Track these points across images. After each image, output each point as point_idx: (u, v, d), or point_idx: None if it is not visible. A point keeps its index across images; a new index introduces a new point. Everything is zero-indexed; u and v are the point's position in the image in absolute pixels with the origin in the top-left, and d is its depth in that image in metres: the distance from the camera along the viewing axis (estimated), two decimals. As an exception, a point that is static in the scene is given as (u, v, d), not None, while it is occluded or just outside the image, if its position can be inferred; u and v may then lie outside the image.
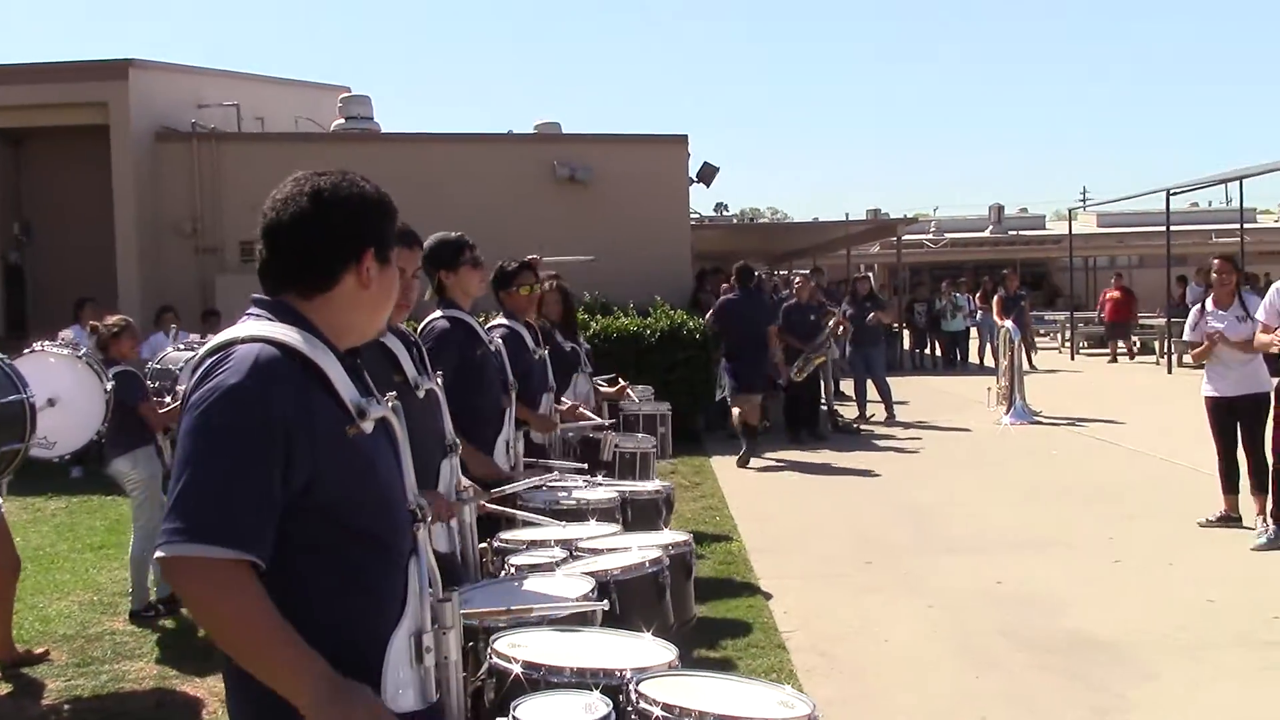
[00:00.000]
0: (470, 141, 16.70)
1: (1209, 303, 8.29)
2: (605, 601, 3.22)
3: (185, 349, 8.20)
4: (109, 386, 6.48)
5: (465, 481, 3.81)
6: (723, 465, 11.80)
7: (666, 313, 13.84)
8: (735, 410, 12.22)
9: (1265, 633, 5.96)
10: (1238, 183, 23.49)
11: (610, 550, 3.74)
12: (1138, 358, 25.20)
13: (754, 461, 11.92)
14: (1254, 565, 7.28)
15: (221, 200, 15.59)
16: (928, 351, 25.09)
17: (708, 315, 13.29)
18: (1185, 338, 8.95)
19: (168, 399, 7.00)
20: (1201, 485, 8.93)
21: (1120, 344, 24.90)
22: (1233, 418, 8.00)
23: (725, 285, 14.70)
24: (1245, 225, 26.35)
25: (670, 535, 4.10)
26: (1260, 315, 7.69)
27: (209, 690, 5.41)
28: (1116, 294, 25.10)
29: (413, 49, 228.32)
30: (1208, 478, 8.51)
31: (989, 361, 21.46)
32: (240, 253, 15.35)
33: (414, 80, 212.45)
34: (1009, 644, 5.91)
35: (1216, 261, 8.45)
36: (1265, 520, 7.68)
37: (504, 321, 5.64)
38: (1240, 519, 8.07)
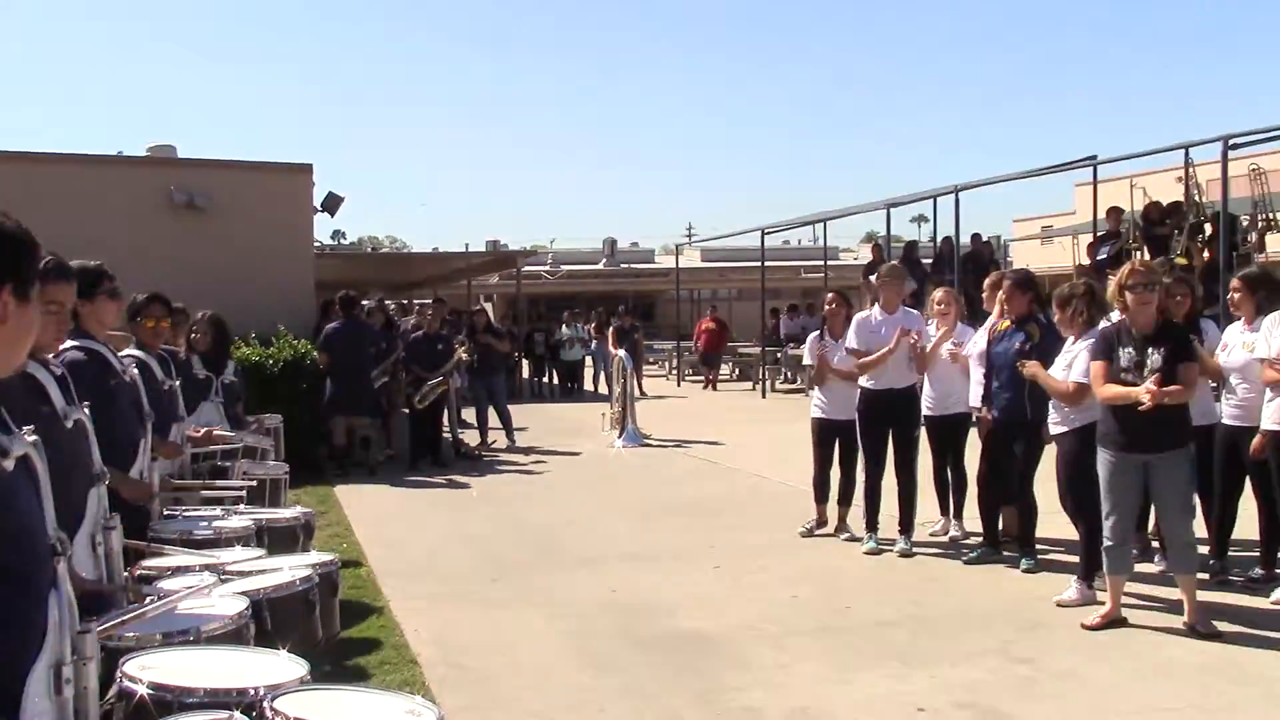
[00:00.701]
0: (78, 163, 15.82)
1: (825, 331, 9.20)
2: (252, 618, 3.39)
3: None
4: None
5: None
6: (348, 493, 11.88)
7: (290, 342, 13.74)
8: (334, 431, 13.03)
9: (838, 621, 6.84)
10: (823, 224, 25.94)
11: (261, 571, 3.91)
12: (737, 383, 27.19)
13: (381, 487, 12.12)
14: (831, 565, 8.25)
15: None
16: (546, 380, 25.98)
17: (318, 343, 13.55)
18: (805, 362, 9.90)
19: None
20: (791, 498, 9.94)
21: (714, 372, 26.60)
22: (833, 436, 8.95)
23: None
24: (829, 261, 29.10)
25: (318, 556, 4.31)
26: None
27: None
28: (711, 325, 26.86)
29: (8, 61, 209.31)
30: (797, 491, 9.48)
31: (603, 389, 22.53)
32: None
33: (17, 100, 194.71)
34: (624, 645, 6.46)
35: (830, 295, 9.45)
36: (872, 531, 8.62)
37: (134, 352, 5.63)
38: (826, 522, 9.07)
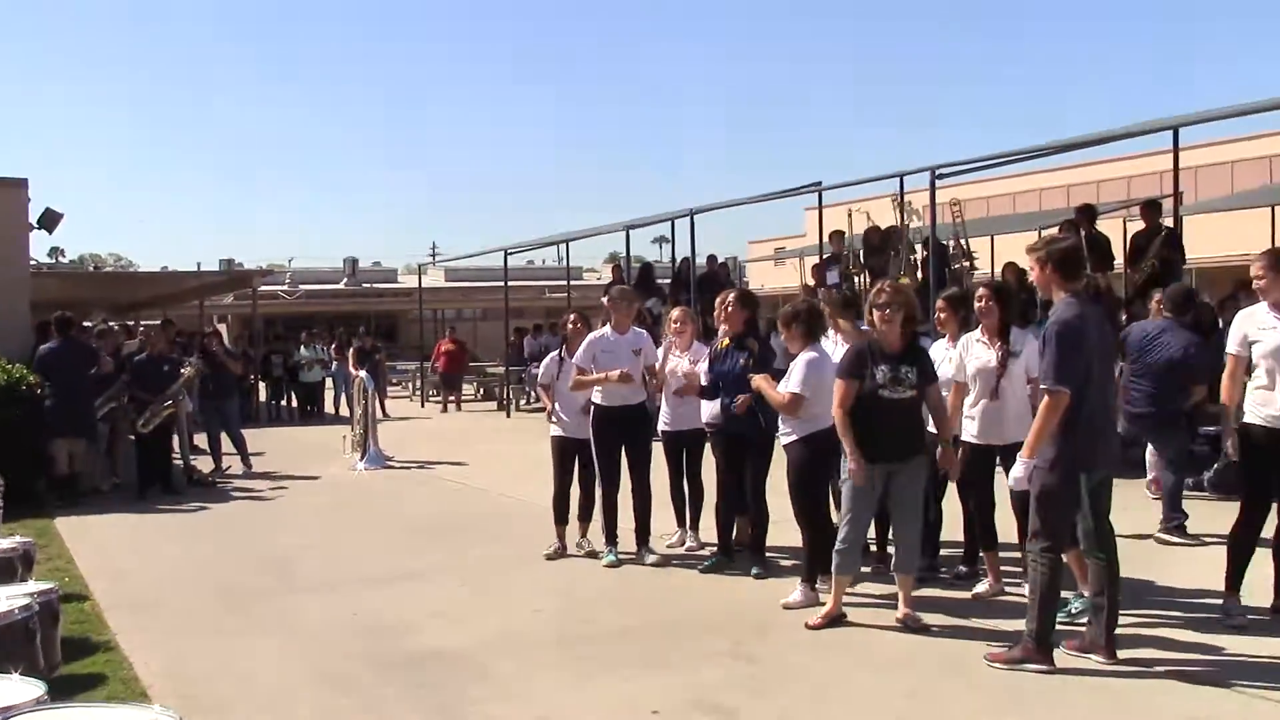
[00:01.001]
0: None
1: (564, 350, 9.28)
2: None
3: None
4: None
5: None
6: (71, 525, 11.26)
7: (4, 367, 12.92)
8: (55, 458, 12.51)
9: (580, 631, 7.01)
10: (565, 245, 26.34)
11: (-24, 601, 3.75)
12: (482, 403, 27.17)
13: (108, 517, 11.58)
14: (574, 579, 8.42)
15: None
16: (284, 402, 25.27)
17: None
18: (540, 382, 9.93)
19: None
20: (535, 515, 10.00)
21: (456, 393, 26.38)
22: (573, 454, 8.99)
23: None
24: (573, 281, 29.54)
25: (36, 585, 4.16)
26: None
27: None
28: (450, 346, 26.73)
29: None
30: (541, 508, 9.57)
31: (344, 411, 22.11)
32: None
33: None
34: (365, 666, 6.43)
35: (572, 315, 9.48)
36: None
37: None
38: (566, 547, 9.20)
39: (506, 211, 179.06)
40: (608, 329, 8.80)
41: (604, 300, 9.07)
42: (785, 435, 7.58)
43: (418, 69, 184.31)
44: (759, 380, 7.64)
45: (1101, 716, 5.36)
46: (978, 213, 24.60)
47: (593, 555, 8.95)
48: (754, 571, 8.16)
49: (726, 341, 8.23)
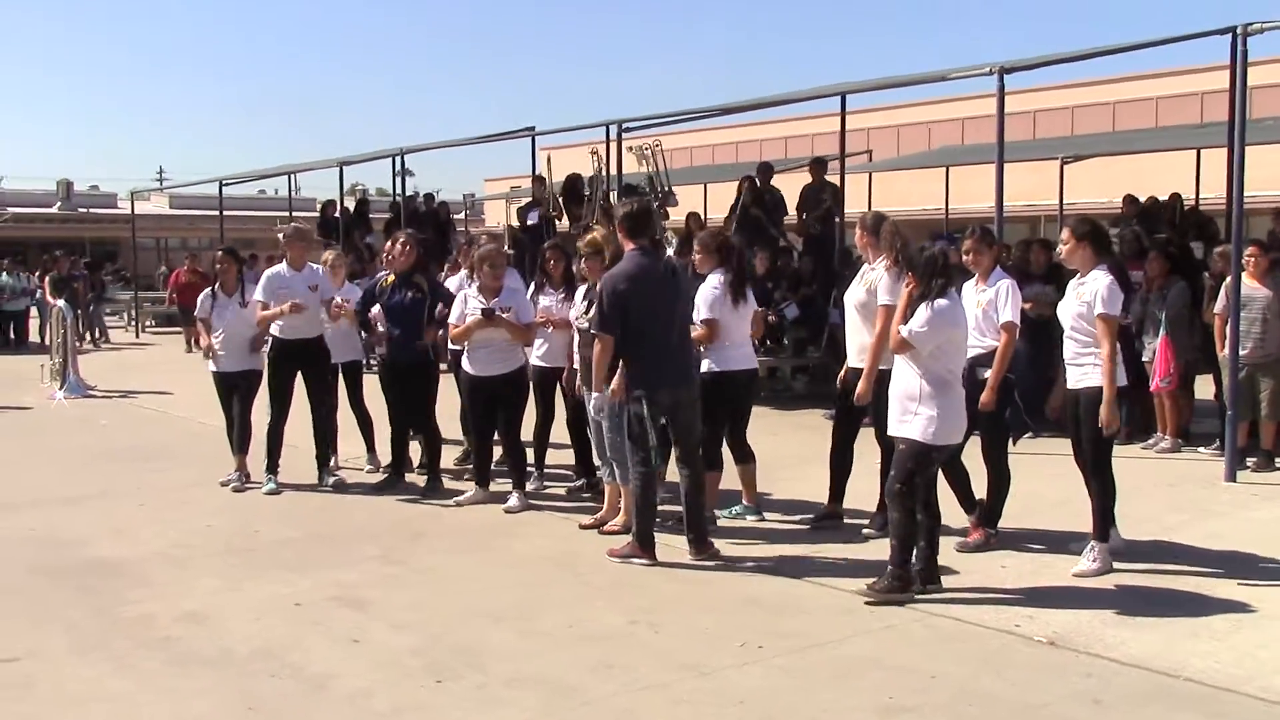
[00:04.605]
0: None
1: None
2: None
3: None
4: None
5: None
6: None
7: None
8: None
9: (245, 543, 7.70)
10: (288, 176, 26.24)
11: None
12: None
13: None
14: (250, 500, 9.02)
15: None
16: (-13, 331, 24.34)
17: None
18: (197, 315, 10.15)
19: None
20: (223, 441, 10.36)
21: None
22: (230, 386, 9.38)
23: None
24: (307, 213, 29.36)
25: None
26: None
27: None
28: (191, 277, 25.25)
29: None
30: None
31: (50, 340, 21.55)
32: None
33: None
34: (34, 574, 6.96)
35: (220, 254, 9.83)
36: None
37: None
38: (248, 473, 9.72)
39: (250, 140, 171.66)
40: (283, 266, 9.32)
41: (279, 236, 9.54)
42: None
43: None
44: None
45: (674, 595, 6.43)
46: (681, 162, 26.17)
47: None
48: (425, 486, 9.00)
49: (392, 278, 8.97)
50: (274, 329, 9.16)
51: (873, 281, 7.31)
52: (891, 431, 6.38)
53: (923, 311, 6.16)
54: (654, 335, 6.93)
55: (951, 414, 6.24)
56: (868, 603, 6.15)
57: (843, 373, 7.63)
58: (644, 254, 7.04)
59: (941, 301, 6.16)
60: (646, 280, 6.94)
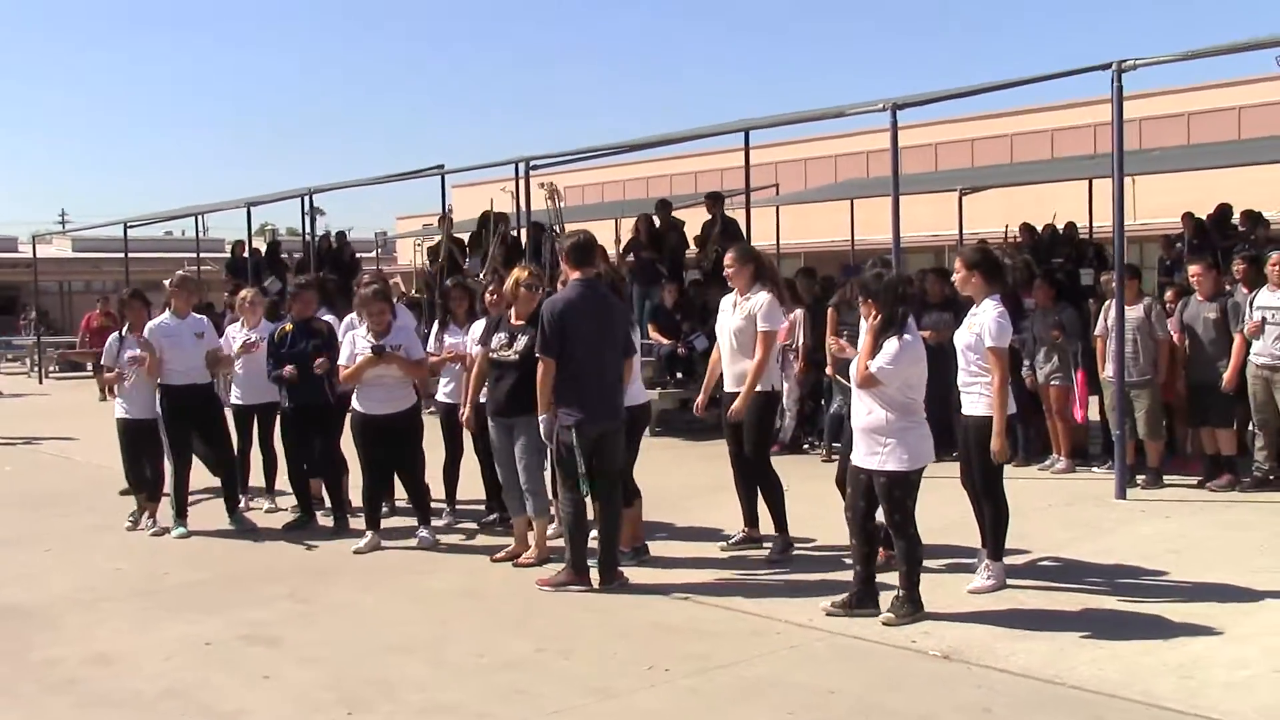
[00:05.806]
0: None
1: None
2: None
3: None
4: None
5: None
6: None
7: None
8: None
9: (154, 586, 7.68)
10: (195, 218, 25.97)
11: None
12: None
13: None
14: (159, 544, 8.96)
15: None
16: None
17: None
18: (102, 362, 10.10)
19: None
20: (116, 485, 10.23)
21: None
22: (139, 434, 9.24)
23: None
24: (211, 254, 29.00)
25: None
26: None
27: None
28: (103, 320, 25.12)
29: None
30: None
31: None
32: None
33: None
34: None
35: (128, 292, 9.84)
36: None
37: None
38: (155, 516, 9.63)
39: (154, 179, 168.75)
40: (167, 314, 9.30)
41: (167, 285, 9.54)
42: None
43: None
44: (323, 363, 8.64)
45: (584, 623, 6.54)
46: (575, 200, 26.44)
47: (163, 533, 9.14)
48: (333, 524, 9.02)
49: (289, 327, 9.04)
50: (163, 378, 9.07)
51: (750, 309, 7.67)
52: (862, 464, 6.46)
53: (890, 346, 6.27)
54: (587, 365, 7.10)
55: (921, 436, 6.42)
56: (886, 624, 6.23)
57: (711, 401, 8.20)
58: (587, 285, 7.23)
59: (908, 337, 6.32)
60: (585, 310, 7.14)
